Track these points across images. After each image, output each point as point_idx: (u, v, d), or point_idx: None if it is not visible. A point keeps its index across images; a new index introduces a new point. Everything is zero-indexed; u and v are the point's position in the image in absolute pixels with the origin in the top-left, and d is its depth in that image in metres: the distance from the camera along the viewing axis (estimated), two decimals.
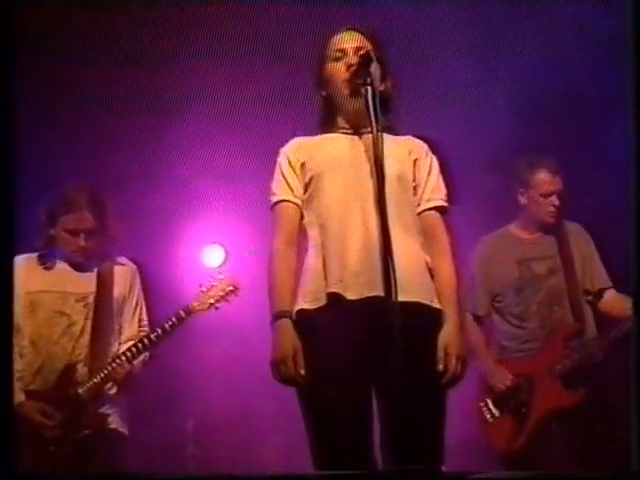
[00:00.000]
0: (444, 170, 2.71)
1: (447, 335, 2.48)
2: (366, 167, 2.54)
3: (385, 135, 2.42)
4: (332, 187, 2.57)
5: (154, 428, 4.56)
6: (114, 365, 3.43)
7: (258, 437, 4.83)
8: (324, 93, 2.69)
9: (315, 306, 2.49)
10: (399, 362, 2.17)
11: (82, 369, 3.44)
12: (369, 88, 2.43)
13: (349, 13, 3.34)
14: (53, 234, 3.52)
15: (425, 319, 2.49)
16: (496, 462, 3.80)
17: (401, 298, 2.26)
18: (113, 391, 3.48)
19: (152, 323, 3.59)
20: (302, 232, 2.62)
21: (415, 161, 2.65)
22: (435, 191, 2.65)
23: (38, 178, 4.06)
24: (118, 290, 3.56)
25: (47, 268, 3.54)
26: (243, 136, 4.22)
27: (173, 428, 4.68)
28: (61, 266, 3.55)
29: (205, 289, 3.57)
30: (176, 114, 4.19)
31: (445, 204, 2.66)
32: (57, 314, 3.47)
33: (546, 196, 3.83)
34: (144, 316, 3.61)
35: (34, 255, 3.56)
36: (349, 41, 2.64)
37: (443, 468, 2.47)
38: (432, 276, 2.56)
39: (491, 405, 3.80)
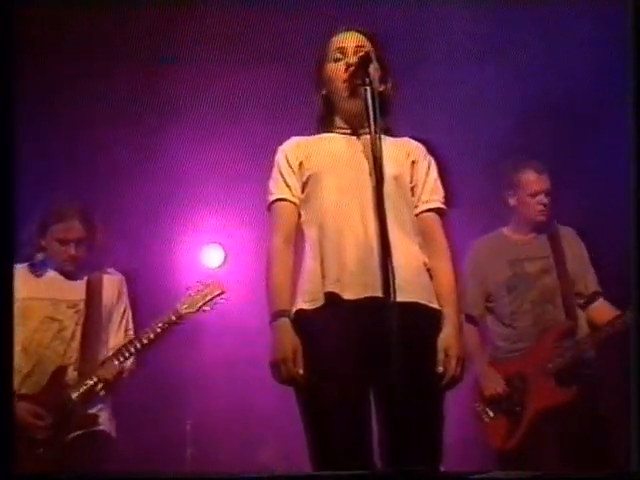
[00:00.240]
0: (442, 172, 2.71)
1: (447, 337, 2.48)
2: (364, 167, 2.53)
3: (383, 136, 2.41)
4: (330, 187, 2.57)
5: (152, 429, 4.57)
6: (104, 367, 3.47)
7: (257, 438, 4.83)
8: (323, 93, 2.69)
9: (313, 306, 2.48)
10: (397, 362, 2.16)
11: (72, 372, 3.49)
12: (368, 89, 2.42)
13: (349, 13, 3.33)
14: (44, 244, 3.59)
15: (423, 319, 2.48)
16: (492, 462, 3.81)
17: (399, 299, 2.26)
18: (103, 393, 3.51)
19: (143, 326, 3.62)
20: (299, 231, 2.62)
21: (413, 162, 2.65)
22: (433, 193, 2.65)
23: (38, 178, 4.07)
24: (107, 298, 3.63)
25: (38, 276, 3.59)
26: (242, 136, 4.23)
27: (172, 429, 4.68)
28: (52, 275, 3.61)
29: (193, 293, 3.61)
30: (175, 115, 4.19)
31: (443, 206, 2.66)
32: (48, 319, 3.52)
33: (534, 195, 3.88)
34: (130, 325, 3.67)
35: (25, 264, 3.60)
36: (349, 41, 2.64)
37: (442, 468, 2.47)
38: (430, 277, 2.56)
39: (486, 406, 3.82)
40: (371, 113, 2.39)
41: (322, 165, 2.61)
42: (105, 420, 3.54)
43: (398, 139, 2.68)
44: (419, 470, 2.20)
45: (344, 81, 2.56)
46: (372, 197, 2.43)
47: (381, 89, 2.57)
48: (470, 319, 3.91)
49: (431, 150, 2.72)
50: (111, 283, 3.65)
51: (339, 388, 2.40)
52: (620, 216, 3.06)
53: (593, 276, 3.91)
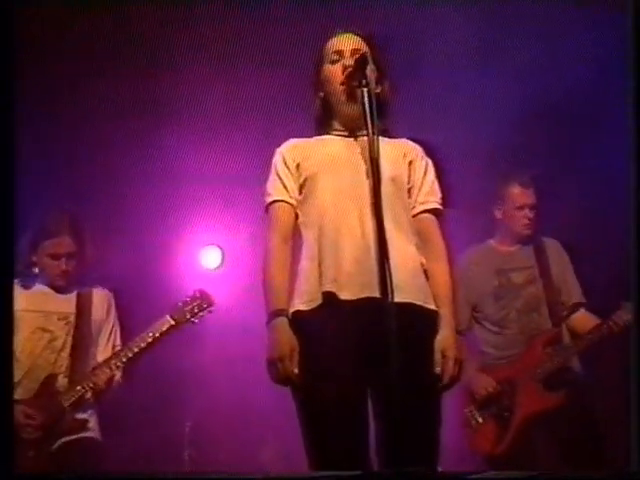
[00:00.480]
0: (439, 174, 2.71)
1: (444, 338, 2.49)
2: (361, 168, 2.54)
3: (380, 137, 2.42)
4: (327, 188, 2.58)
5: (151, 430, 4.57)
6: (95, 375, 3.54)
7: (256, 438, 4.83)
8: (321, 95, 2.70)
9: (310, 307, 2.49)
10: (395, 363, 2.16)
11: (62, 380, 3.56)
12: (365, 90, 2.43)
13: (346, 15, 3.34)
14: (35, 260, 3.66)
15: (419, 320, 2.49)
16: (481, 466, 3.85)
17: (396, 299, 2.26)
18: (92, 400, 3.58)
19: (142, 327, 3.68)
20: (297, 232, 2.62)
21: (410, 163, 2.65)
22: (430, 194, 2.66)
23: (38, 178, 4.07)
24: (96, 312, 3.71)
25: (28, 289, 3.66)
26: (240, 138, 4.23)
27: (171, 430, 4.69)
28: (43, 289, 3.69)
29: (182, 304, 3.69)
30: (174, 117, 4.20)
31: (440, 207, 2.67)
32: (40, 330, 3.60)
33: (520, 209, 3.97)
34: (118, 342, 3.73)
35: (16, 280, 3.62)
36: (346, 43, 2.65)
37: (439, 469, 2.47)
38: (427, 278, 2.57)
39: (475, 411, 3.87)
40: (368, 114, 2.39)
41: (319, 166, 2.61)
42: (94, 426, 3.61)
43: (395, 140, 2.68)
44: (416, 471, 2.20)
45: (341, 83, 2.57)
46: (369, 198, 2.44)
47: (378, 90, 2.58)
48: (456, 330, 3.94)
49: (428, 151, 2.72)
50: (101, 298, 3.74)
51: (336, 388, 2.40)
52: (620, 216, 3.06)
53: (577, 287, 3.99)
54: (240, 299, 4.37)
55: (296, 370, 2.42)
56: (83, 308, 3.66)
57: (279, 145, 2.73)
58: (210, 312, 3.72)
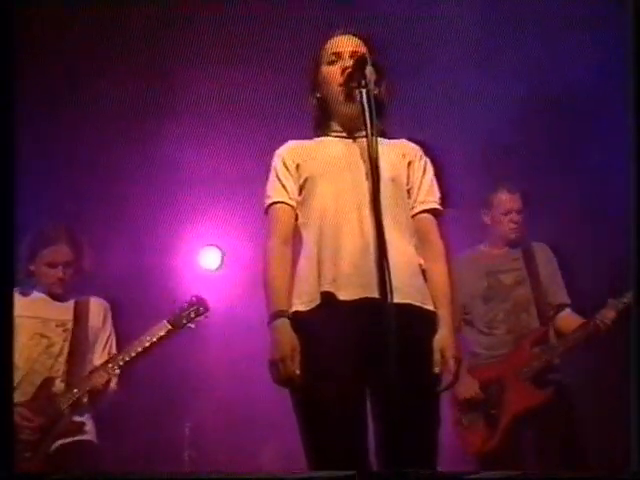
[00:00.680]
0: (438, 174, 2.71)
1: (443, 338, 2.49)
2: (361, 169, 2.54)
3: (379, 138, 2.41)
4: (327, 189, 2.58)
5: (151, 431, 4.57)
6: (92, 378, 3.56)
7: (256, 439, 4.82)
8: (319, 96, 2.70)
9: (309, 307, 2.49)
10: (393, 363, 2.16)
11: (59, 384, 3.58)
12: (364, 91, 2.42)
13: (344, 17, 3.33)
14: (33, 269, 3.68)
15: (417, 321, 2.49)
16: (471, 464, 3.89)
17: (395, 300, 2.25)
18: (89, 403, 3.60)
19: (140, 329, 3.70)
20: (297, 233, 2.62)
21: (409, 164, 2.65)
22: (429, 194, 2.66)
23: (38, 178, 4.07)
24: (93, 321, 3.73)
25: (25, 295, 3.68)
26: (240, 140, 4.23)
27: (171, 431, 4.69)
28: (41, 296, 3.71)
29: (178, 310, 3.71)
30: (174, 118, 4.20)
31: (439, 207, 2.67)
32: (38, 336, 3.63)
33: (506, 213, 4.06)
34: (114, 350, 3.75)
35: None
36: (344, 45, 2.65)
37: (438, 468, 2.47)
38: (425, 278, 2.57)
39: (463, 411, 3.92)
40: (367, 115, 2.38)
41: (319, 168, 2.61)
42: (91, 428, 3.63)
43: (394, 141, 2.68)
44: (415, 473, 2.20)
45: (340, 84, 2.57)
46: (369, 199, 2.44)
47: (376, 92, 2.57)
48: None
49: (427, 151, 2.72)
50: (98, 307, 3.77)
51: (335, 388, 2.40)
52: (620, 215, 3.06)
53: (562, 288, 4.07)
54: (240, 300, 4.38)
55: (298, 371, 2.42)
56: (80, 316, 3.69)
57: (279, 146, 2.73)
58: (206, 317, 3.74)
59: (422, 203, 2.64)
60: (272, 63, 3.70)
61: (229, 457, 4.67)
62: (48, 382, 3.56)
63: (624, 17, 2.97)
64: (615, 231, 3.40)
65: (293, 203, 2.63)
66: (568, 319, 3.99)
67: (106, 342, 3.75)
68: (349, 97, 2.54)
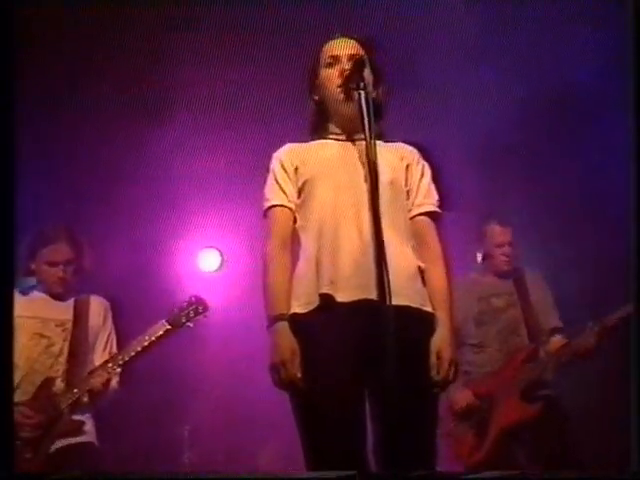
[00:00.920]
0: (435, 177, 2.71)
1: (440, 340, 2.49)
2: (359, 172, 2.54)
3: (377, 141, 2.41)
4: (325, 192, 2.57)
5: (149, 433, 4.57)
6: (92, 378, 3.56)
7: (254, 441, 4.82)
8: (316, 98, 2.70)
9: (307, 309, 2.48)
10: (392, 365, 2.16)
11: (60, 384, 3.59)
12: (362, 93, 2.42)
13: (342, 19, 3.33)
14: (33, 268, 3.68)
15: (416, 323, 2.48)
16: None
17: (393, 302, 2.25)
18: (89, 403, 3.60)
19: (139, 331, 3.69)
20: (295, 236, 2.62)
21: (407, 166, 2.65)
22: (427, 196, 2.66)
23: (38, 177, 4.07)
24: (93, 320, 3.74)
25: (25, 295, 3.69)
26: (239, 142, 4.23)
27: (169, 433, 4.69)
28: (41, 296, 3.72)
29: (177, 310, 3.70)
30: (173, 119, 4.20)
31: (437, 210, 2.67)
32: (37, 336, 3.63)
33: (499, 246, 4.13)
34: (114, 349, 3.76)
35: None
36: (343, 47, 2.65)
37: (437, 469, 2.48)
38: (423, 281, 2.57)
39: (455, 421, 3.98)
40: (366, 117, 2.38)
41: (317, 171, 2.61)
42: (91, 429, 3.63)
43: (392, 144, 2.68)
44: (414, 474, 2.21)
45: (338, 86, 2.56)
46: (367, 201, 2.43)
47: (374, 94, 2.57)
48: None
49: (424, 154, 2.73)
50: (98, 306, 3.77)
51: (333, 390, 2.40)
52: (620, 215, 3.06)
53: (555, 313, 4.11)
54: (239, 302, 4.37)
55: (299, 374, 2.42)
56: (80, 315, 3.69)
57: (278, 148, 2.72)
58: (205, 317, 3.74)
59: (420, 206, 2.64)
60: (272, 64, 3.70)
61: (228, 458, 4.67)
62: (48, 382, 3.56)
63: (624, 17, 2.97)
64: (615, 232, 3.40)
65: (292, 206, 2.63)
66: (557, 343, 4.03)
67: (106, 341, 3.75)
68: (347, 99, 2.53)
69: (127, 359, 3.59)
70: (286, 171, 2.64)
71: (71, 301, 3.73)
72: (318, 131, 2.71)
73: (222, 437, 4.76)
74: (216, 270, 5.05)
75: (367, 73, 2.50)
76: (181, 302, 3.73)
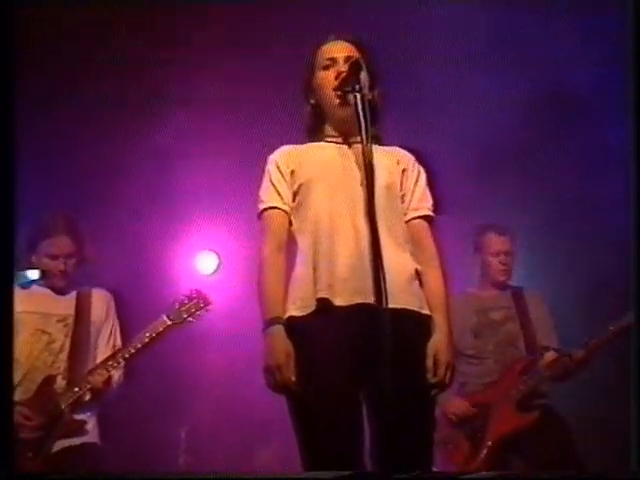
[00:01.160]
0: (431, 180, 2.71)
1: (436, 343, 2.49)
2: (356, 175, 2.54)
3: (373, 145, 2.41)
4: (322, 195, 2.57)
5: (147, 435, 4.57)
6: (93, 376, 3.53)
7: (251, 443, 4.82)
8: (312, 101, 2.70)
9: (304, 312, 2.48)
10: (389, 368, 2.16)
11: (61, 381, 3.56)
12: (358, 95, 2.42)
13: (339, 21, 3.33)
14: (34, 261, 3.65)
15: (413, 325, 2.49)
16: None
17: (390, 305, 2.25)
18: (91, 401, 3.58)
19: (138, 332, 3.67)
20: (291, 239, 2.62)
21: (403, 171, 2.66)
22: (422, 200, 2.67)
23: (38, 178, 4.06)
24: (95, 314, 3.70)
25: (26, 289, 3.65)
26: (236, 144, 4.23)
27: (166, 435, 4.69)
28: (43, 290, 3.68)
29: (178, 305, 3.67)
30: (172, 121, 4.20)
31: (431, 214, 2.67)
32: (39, 332, 3.60)
33: (495, 255, 4.14)
34: (118, 342, 3.73)
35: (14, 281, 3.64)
36: (339, 50, 2.65)
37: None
38: (421, 283, 2.57)
39: (450, 429, 3.98)
40: (362, 119, 2.37)
41: (313, 173, 2.61)
42: (92, 429, 3.61)
43: (388, 148, 2.68)
44: (410, 475, 2.21)
45: (335, 88, 2.57)
46: (363, 205, 2.44)
47: (369, 97, 2.56)
48: None
49: (419, 158, 2.73)
50: (100, 299, 3.74)
51: (331, 393, 2.40)
52: (620, 215, 3.06)
53: (551, 332, 4.11)
54: (236, 304, 4.37)
55: (293, 377, 2.42)
56: (82, 309, 3.66)
57: (274, 151, 2.72)
58: (207, 311, 3.71)
59: (416, 210, 2.64)
60: (269, 66, 3.70)
61: (226, 458, 4.67)
62: (49, 380, 3.54)
63: (624, 17, 2.97)
64: (615, 234, 3.40)
65: (287, 208, 2.63)
66: (552, 359, 4.02)
67: (110, 335, 3.72)
68: (344, 101, 2.54)
69: (127, 356, 3.56)
70: (282, 173, 2.64)
71: (73, 295, 3.70)
72: (314, 133, 2.71)
73: (220, 438, 4.76)
74: (213, 273, 5.05)
75: (363, 76, 2.49)
76: (182, 297, 3.69)
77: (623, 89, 2.86)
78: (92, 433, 3.61)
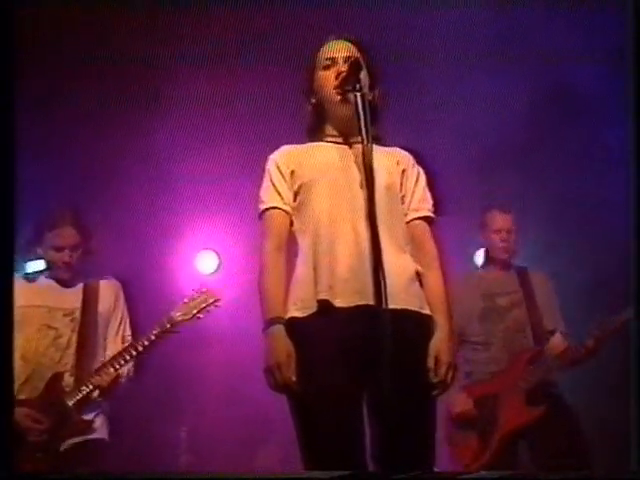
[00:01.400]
0: (430, 180, 2.71)
1: (438, 343, 2.49)
2: (356, 176, 2.54)
3: (373, 145, 2.40)
4: (322, 195, 2.57)
5: (147, 435, 4.57)
6: (100, 374, 3.50)
7: (252, 443, 4.82)
8: (313, 101, 2.69)
9: (305, 314, 2.48)
10: (390, 369, 2.16)
11: (68, 378, 3.52)
12: (358, 95, 2.41)
13: (339, 21, 3.33)
14: (40, 252, 3.62)
15: (415, 326, 2.49)
16: None
17: (390, 306, 2.25)
18: (99, 399, 3.55)
19: (139, 334, 3.65)
20: (292, 239, 2.61)
21: (403, 171, 2.65)
22: (422, 201, 2.66)
23: (38, 179, 4.07)
24: (103, 306, 3.66)
25: (32, 281, 3.62)
26: (237, 144, 4.23)
27: (167, 435, 4.69)
28: (48, 282, 3.64)
29: (187, 300, 3.63)
30: (171, 121, 4.20)
31: (431, 215, 2.67)
32: (45, 327, 3.56)
33: (497, 232, 4.10)
34: (128, 332, 3.69)
35: (20, 273, 3.64)
36: (339, 50, 2.64)
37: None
38: (421, 284, 2.57)
39: (456, 426, 3.95)
40: (362, 119, 2.37)
41: (314, 173, 2.60)
42: (100, 426, 3.58)
43: (388, 149, 2.68)
44: (411, 474, 2.21)
45: (335, 88, 2.56)
46: (364, 205, 2.43)
47: (370, 97, 2.56)
48: None
49: (419, 159, 2.73)
50: (108, 289, 3.69)
51: (332, 394, 2.40)
52: (620, 214, 3.06)
53: (557, 314, 4.09)
54: (236, 304, 4.36)
55: (294, 377, 2.41)
56: (89, 302, 3.61)
57: (274, 151, 2.72)
58: (216, 307, 3.66)
59: (416, 210, 2.64)
60: (269, 66, 3.70)
61: (226, 457, 4.67)
62: (57, 377, 3.49)
63: (624, 17, 2.97)
64: (615, 233, 3.40)
65: (287, 209, 2.62)
66: (557, 343, 4.02)
67: (119, 325, 3.68)
68: (344, 101, 2.53)
69: (135, 354, 3.52)
70: (282, 174, 2.64)
71: (79, 288, 3.65)
72: (315, 133, 2.70)
73: (220, 437, 4.76)
74: (213, 272, 5.05)
75: (363, 75, 2.50)
76: (191, 292, 3.66)
77: (623, 89, 2.86)
78: (100, 431, 3.57)
